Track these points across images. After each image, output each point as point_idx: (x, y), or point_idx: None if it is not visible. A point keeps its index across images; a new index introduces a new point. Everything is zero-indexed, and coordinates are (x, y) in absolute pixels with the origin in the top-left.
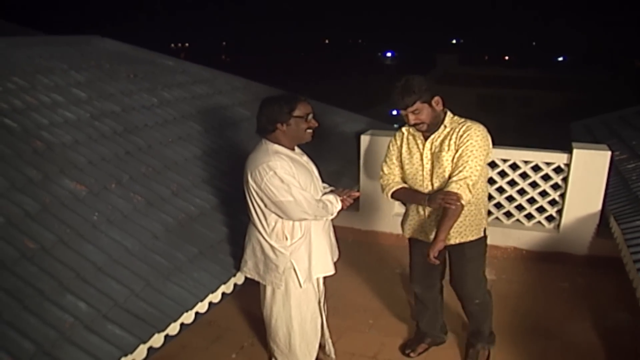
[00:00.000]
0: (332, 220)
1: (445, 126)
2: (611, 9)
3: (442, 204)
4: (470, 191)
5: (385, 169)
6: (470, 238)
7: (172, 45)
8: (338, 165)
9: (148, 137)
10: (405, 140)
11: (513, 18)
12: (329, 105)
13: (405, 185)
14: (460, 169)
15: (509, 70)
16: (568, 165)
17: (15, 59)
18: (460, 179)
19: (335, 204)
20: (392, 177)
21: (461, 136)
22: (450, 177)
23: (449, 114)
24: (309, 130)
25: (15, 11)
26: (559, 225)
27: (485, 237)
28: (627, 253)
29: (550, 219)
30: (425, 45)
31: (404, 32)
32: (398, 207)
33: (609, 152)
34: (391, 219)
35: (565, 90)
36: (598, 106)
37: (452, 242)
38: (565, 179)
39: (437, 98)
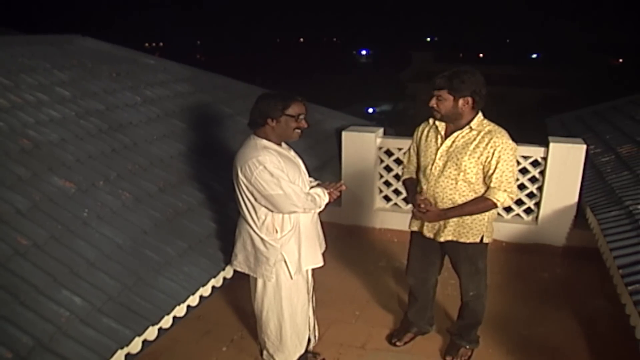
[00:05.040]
0: (319, 213)
1: (471, 128)
2: (584, 7)
3: (417, 209)
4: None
5: (405, 159)
6: (465, 240)
7: (147, 44)
8: (319, 161)
9: (133, 134)
10: (427, 130)
11: (487, 16)
12: (308, 102)
13: (413, 177)
14: (500, 179)
15: (483, 67)
16: (545, 158)
17: None
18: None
19: (323, 196)
20: (410, 168)
21: (492, 147)
22: (490, 183)
23: (479, 117)
24: (297, 130)
25: None
26: (537, 217)
27: (484, 244)
28: (603, 242)
29: (528, 211)
30: (401, 43)
31: (379, 30)
32: (379, 202)
33: (585, 146)
34: (373, 213)
35: (539, 87)
36: (572, 102)
37: (443, 238)
38: (542, 172)
39: (468, 99)
